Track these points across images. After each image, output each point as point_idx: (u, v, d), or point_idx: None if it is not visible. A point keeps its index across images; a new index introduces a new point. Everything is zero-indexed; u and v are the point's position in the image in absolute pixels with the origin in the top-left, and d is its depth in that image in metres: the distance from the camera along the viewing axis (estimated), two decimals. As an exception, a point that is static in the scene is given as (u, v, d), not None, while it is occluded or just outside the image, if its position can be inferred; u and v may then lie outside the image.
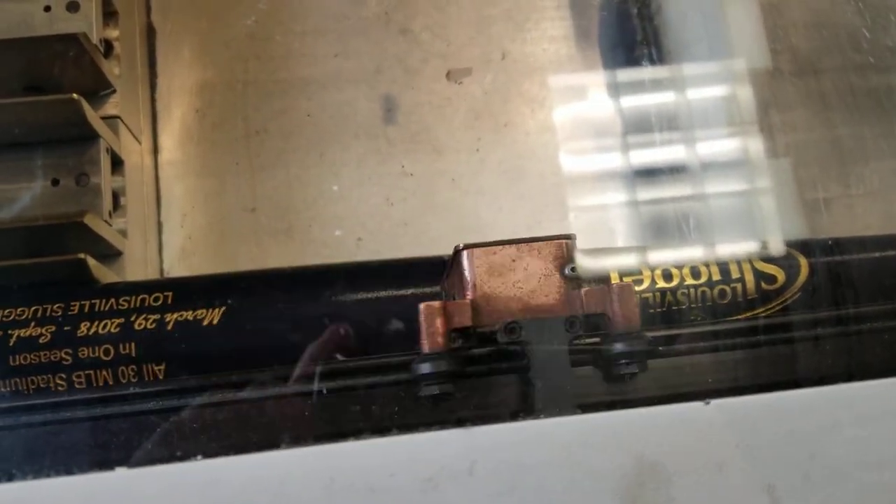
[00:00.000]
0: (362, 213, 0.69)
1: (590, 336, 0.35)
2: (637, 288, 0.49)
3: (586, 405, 0.33)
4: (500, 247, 0.36)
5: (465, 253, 0.36)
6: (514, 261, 0.36)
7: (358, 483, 0.28)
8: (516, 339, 0.34)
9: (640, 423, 0.29)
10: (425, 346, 0.34)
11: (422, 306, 0.34)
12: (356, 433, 0.30)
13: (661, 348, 0.35)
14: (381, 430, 0.30)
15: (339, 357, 0.43)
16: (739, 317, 0.48)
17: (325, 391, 0.33)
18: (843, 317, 0.38)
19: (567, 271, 0.36)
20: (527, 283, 0.36)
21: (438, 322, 0.34)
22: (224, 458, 0.29)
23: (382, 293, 0.50)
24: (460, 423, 0.29)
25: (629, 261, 0.53)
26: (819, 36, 0.68)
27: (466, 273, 0.36)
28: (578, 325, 0.34)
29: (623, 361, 0.34)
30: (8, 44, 0.54)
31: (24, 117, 0.53)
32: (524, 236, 0.69)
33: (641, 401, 0.33)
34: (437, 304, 0.34)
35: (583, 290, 0.35)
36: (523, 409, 0.34)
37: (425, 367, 0.33)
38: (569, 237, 0.37)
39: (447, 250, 0.54)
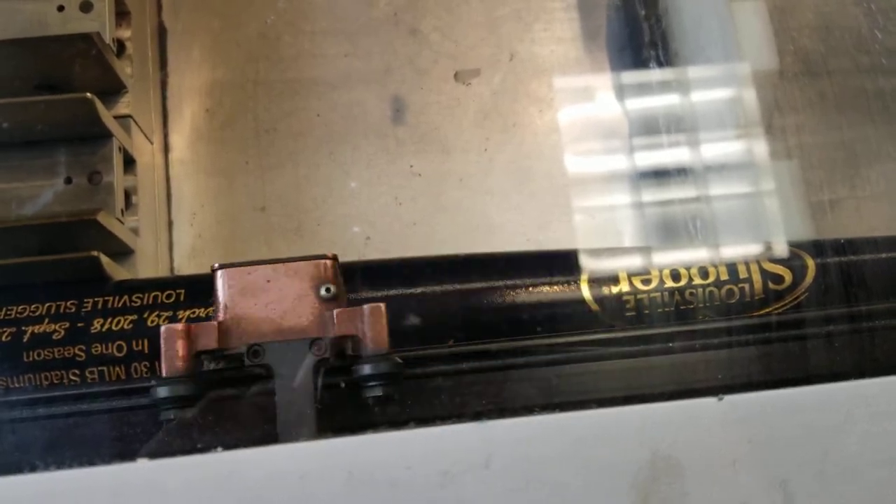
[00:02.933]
0: (371, 213, 0.70)
1: (341, 358, 0.35)
2: (645, 287, 0.49)
3: (334, 428, 0.32)
4: (255, 266, 0.36)
5: (219, 273, 0.36)
6: (268, 281, 0.35)
7: (376, 476, 0.28)
8: (260, 361, 0.34)
9: (655, 419, 0.30)
10: (164, 370, 0.33)
11: (162, 328, 0.34)
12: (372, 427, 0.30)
13: (415, 370, 0.35)
14: (397, 423, 0.31)
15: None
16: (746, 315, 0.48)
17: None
18: (852, 315, 0.39)
19: (322, 292, 0.35)
20: (280, 304, 0.35)
21: (179, 344, 0.34)
22: (244, 450, 0.29)
23: (392, 292, 0.50)
24: (477, 416, 0.30)
25: (637, 261, 0.53)
26: (826, 38, 0.68)
27: (219, 293, 0.35)
28: (324, 346, 0.34)
29: (371, 384, 0.33)
30: (22, 43, 0.55)
31: (37, 116, 0.54)
32: (526, 237, 0.70)
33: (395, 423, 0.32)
34: (179, 326, 0.34)
35: (335, 312, 0.34)
36: (266, 434, 0.33)
37: (163, 391, 0.33)
38: (329, 257, 0.37)
39: (455, 250, 0.55)
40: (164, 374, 0.33)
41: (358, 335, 0.34)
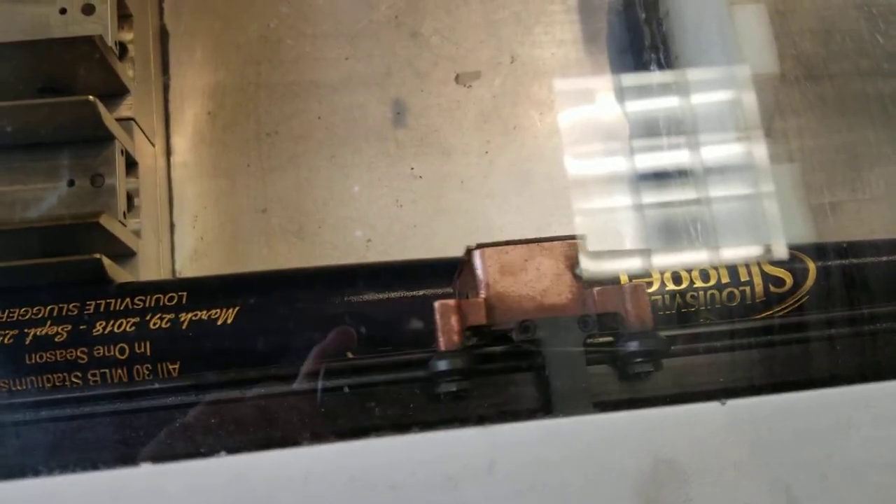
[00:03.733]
0: (372, 215, 0.70)
1: (604, 335, 0.35)
2: (647, 290, 0.50)
3: (602, 403, 0.33)
4: (512, 247, 0.36)
5: (477, 252, 0.36)
6: (525, 260, 0.36)
7: (379, 481, 0.28)
8: (530, 337, 0.34)
9: (658, 423, 0.30)
10: (441, 344, 0.34)
11: (437, 304, 0.34)
12: (376, 430, 0.30)
13: (674, 347, 0.35)
14: (400, 427, 0.31)
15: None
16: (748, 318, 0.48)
17: (347, 388, 0.33)
18: (853, 318, 0.39)
19: (578, 271, 0.36)
20: (539, 282, 0.36)
21: (454, 320, 0.34)
22: (247, 454, 0.29)
23: (395, 293, 0.50)
24: (480, 421, 0.30)
25: (638, 263, 0.53)
26: (826, 41, 0.68)
27: (479, 272, 0.36)
28: (592, 323, 0.34)
29: (637, 360, 0.34)
30: (24, 46, 0.55)
31: (40, 119, 0.54)
32: (533, 238, 0.70)
33: (657, 399, 0.33)
34: (452, 302, 0.34)
35: (595, 290, 0.35)
36: (539, 407, 0.34)
37: (442, 364, 0.33)
38: (579, 237, 0.37)
39: (456, 252, 0.55)
40: (441, 348, 0.34)
41: (620, 313, 0.34)
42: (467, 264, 0.37)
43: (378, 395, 0.34)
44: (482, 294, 0.35)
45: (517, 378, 0.35)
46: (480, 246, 0.37)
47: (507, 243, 0.37)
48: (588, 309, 0.35)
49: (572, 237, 0.37)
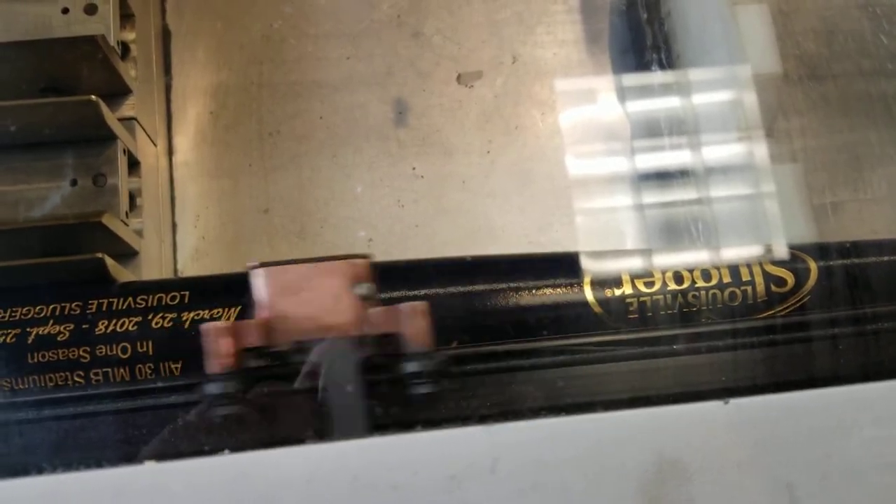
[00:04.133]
0: (373, 215, 0.70)
1: (383, 356, 0.35)
2: (648, 290, 0.50)
3: (380, 426, 0.32)
4: (293, 266, 0.36)
5: (258, 272, 0.36)
6: (307, 280, 0.36)
7: (381, 480, 0.28)
8: (305, 359, 0.34)
9: (661, 422, 0.30)
10: (213, 367, 0.34)
11: (206, 326, 0.34)
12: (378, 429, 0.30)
13: (451, 369, 0.35)
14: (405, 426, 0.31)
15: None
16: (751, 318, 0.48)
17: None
18: (856, 317, 0.39)
19: (359, 291, 0.36)
20: (319, 302, 0.35)
21: (224, 342, 0.34)
22: (250, 452, 0.29)
23: (397, 293, 0.50)
24: (482, 420, 0.30)
25: (640, 263, 0.53)
26: (829, 41, 0.68)
27: (260, 292, 0.36)
28: (370, 343, 0.34)
29: (416, 381, 0.34)
30: (26, 46, 0.55)
31: (42, 118, 0.54)
32: (527, 240, 0.70)
33: (436, 422, 0.32)
34: (223, 324, 0.34)
35: (374, 311, 0.35)
36: (316, 430, 0.33)
37: (212, 388, 0.33)
38: (364, 256, 0.37)
39: (457, 252, 0.55)
40: (210, 371, 0.34)
41: (398, 333, 0.34)
42: (252, 283, 0.37)
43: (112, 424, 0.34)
44: (263, 314, 0.35)
45: (295, 400, 0.34)
46: (263, 264, 0.36)
47: (289, 262, 0.36)
48: (367, 329, 0.35)
49: (355, 256, 0.37)
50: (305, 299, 0.35)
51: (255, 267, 0.36)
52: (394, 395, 0.34)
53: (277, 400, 0.35)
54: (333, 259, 0.36)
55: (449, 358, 0.35)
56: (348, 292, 0.35)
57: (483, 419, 0.30)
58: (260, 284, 0.36)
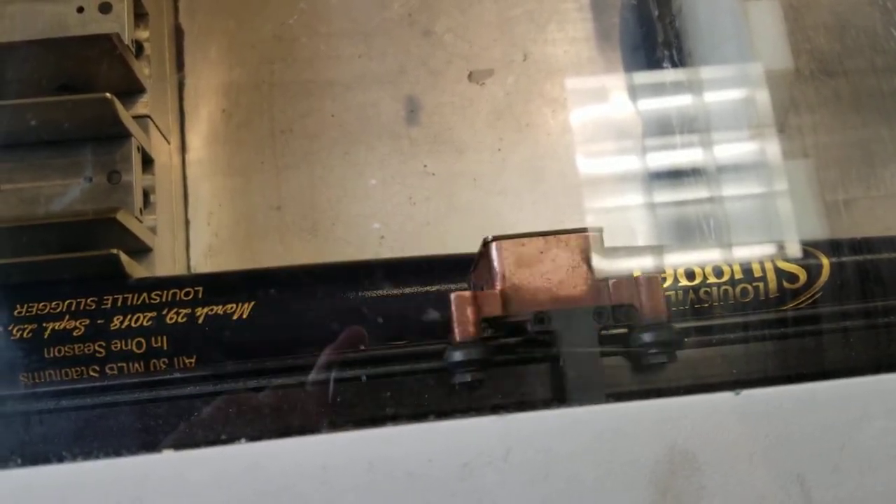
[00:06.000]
0: (385, 212, 0.70)
1: (618, 327, 0.35)
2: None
3: (616, 394, 0.33)
4: (528, 239, 0.37)
5: (493, 245, 0.37)
6: (541, 252, 0.36)
7: (396, 468, 0.29)
8: (546, 328, 0.34)
9: (672, 413, 0.30)
10: (457, 335, 0.34)
11: (453, 295, 0.35)
12: (393, 419, 0.31)
13: (689, 339, 0.36)
14: (417, 416, 0.31)
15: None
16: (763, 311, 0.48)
17: (364, 378, 0.34)
18: (868, 311, 0.39)
19: (593, 263, 0.36)
20: (555, 274, 0.36)
21: (469, 311, 0.34)
22: (266, 441, 0.29)
23: (409, 289, 0.51)
24: (495, 410, 0.30)
25: (652, 259, 0.53)
26: (841, 37, 0.68)
27: (495, 264, 0.36)
28: (607, 315, 0.34)
29: (652, 351, 0.34)
30: (42, 44, 0.55)
31: (58, 116, 0.54)
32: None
33: (670, 390, 0.33)
34: (467, 293, 0.35)
35: (610, 282, 0.35)
36: (554, 397, 0.34)
37: (458, 355, 0.33)
38: (595, 229, 0.37)
39: (469, 249, 0.55)
40: (457, 339, 0.34)
41: (635, 304, 0.35)
42: (483, 256, 0.37)
43: (394, 386, 0.34)
44: (498, 286, 0.36)
45: (533, 369, 0.35)
46: (497, 238, 0.37)
47: (523, 236, 0.37)
48: (603, 300, 0.35)
49: (587, 230, 0.37)
50: (541, 271, 0.36)
51: (490, 241, 0.37)
52: (630, 365, 0.35)
53: (515, 368, 0.35)
54: (567, 232, 0.37)
55: (683, 330, 0.35)
56: (583, 264, 0.36)
57: (496, 409, 0.30)
58: (497, 257, 0.36)
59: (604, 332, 0.35)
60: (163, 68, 0.67)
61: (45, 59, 0.56)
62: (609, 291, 0.35)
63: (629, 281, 0.35)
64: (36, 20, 0.57)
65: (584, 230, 0.37)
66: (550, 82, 0.74)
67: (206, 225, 0.69)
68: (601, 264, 0.36)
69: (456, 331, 0.34)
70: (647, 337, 0.34)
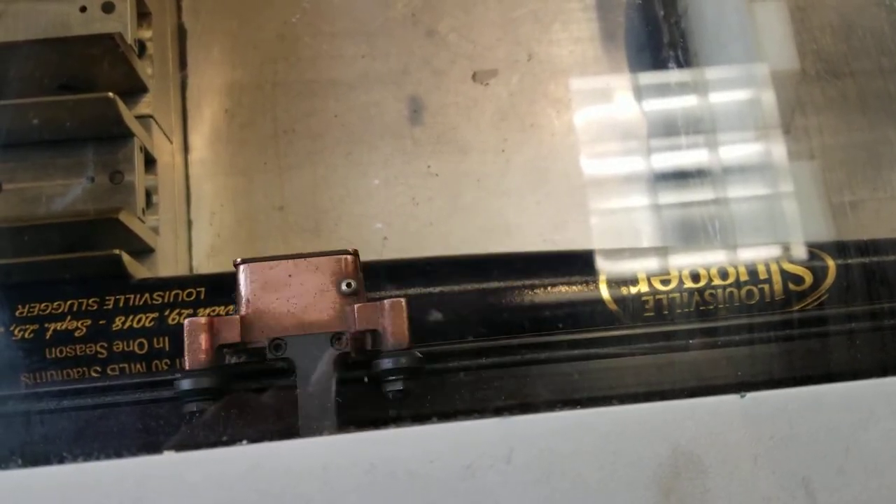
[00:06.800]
0: (388, 213, 0.70)
1: (361, 353, 0.35)
2: (665, 288, 0.49)
3: (351, 422, 0.32)
4: (277, 262, 0.36)
5: (241, 267, 0.36)
6: (290, 276, 0.35)
7: (398, 469, 0.28)
8: (282, 355, 0.34)
9: (677, 415, 0.30)
10: (187, 363, 0.33)
11: (186, 322, 0.34)
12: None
13: (436, 365, 0.35)
14: (418, 418, 0.31)
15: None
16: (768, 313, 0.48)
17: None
18: (874, 313, 0.38)
19: (343, 287, 0.35)
20: (301, 298, 0.35)
21: (203, 338, 0.34)
22: (268, 443, 0.29)
23: (411, 290, 0.50)
24: (498, 412, 0.30)
25: (656, 261, 0.53)
26: (847, 38, 0.68)
27: (241, 288, 0.36)
28: (345, 340, 0.34)
29: (389, 378, 0.33)
30: (44, 43, 0.55)
31: (60, 116, 0.54)
32: (542, 238, 0.70)
33: (413, 418, 0.32)
34: (202, 319, 0.34)
35: (355, 307, 0.34)
36: (288, 425, 0.33)
37: (186, 384, 0.33)
38: (350, 252, 0.37)
39: (472, 250, 0.55)
40: (187, 367, 0.34)
41: (378, 330, 0.34)
42: (236, 279, 0.36)
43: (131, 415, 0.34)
44: (242, 310, 0.35)
45: (269, 397, 0.34)
46: (245, 261, 0.36)
47: (274, 258, 0.36)
48: (348, 326, 0.34)
49: (342, 252, 0.36)
50: (287, 295, 0.35)
51: (239, 264, 0.36)
52: (369, 392, 0.34)
53: (251, 398, 0.35)
54: (320, 255, 0.36)
55: (423, 356, 0.34)
56: (333, 288, 0.35)
57: (499, 411, 0.30)
58: (243, 280, 0.36)
59: (350, 359, 0.34)
60: (165, 68, 0.67)
61: (47, 59, 0.56)
62: (354, 316, 0.34)
63: (373, 305, 0.34)
64: (39, 19, 0.57)
65: (336, 252, 0.36)
66: (555, 82, 0.73)
67: (209, 225, 0.69)
68: (351, 288, 0.35)
69: (187, 359, 0.34)
70: (385, 363, 0.33)
